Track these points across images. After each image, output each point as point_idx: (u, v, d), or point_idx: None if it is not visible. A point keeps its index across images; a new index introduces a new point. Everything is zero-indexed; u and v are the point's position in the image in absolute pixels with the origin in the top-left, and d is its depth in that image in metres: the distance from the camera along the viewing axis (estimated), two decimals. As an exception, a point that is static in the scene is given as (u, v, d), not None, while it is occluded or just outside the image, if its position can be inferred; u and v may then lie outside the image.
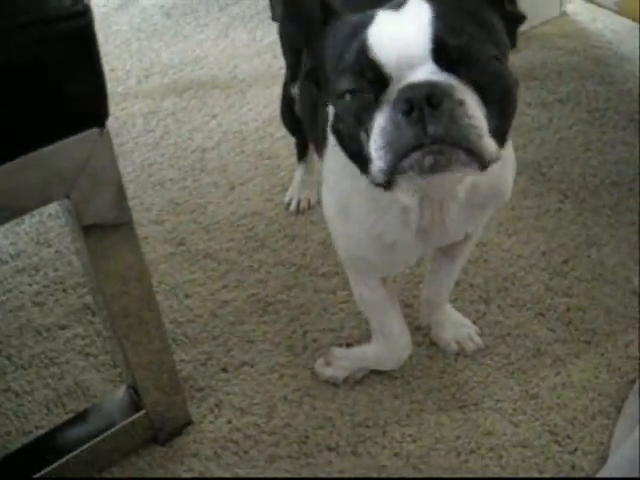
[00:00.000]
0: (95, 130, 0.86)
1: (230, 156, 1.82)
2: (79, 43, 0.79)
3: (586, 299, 1.40)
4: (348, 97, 0.81)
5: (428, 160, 0.76)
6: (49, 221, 1.66)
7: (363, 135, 0.81)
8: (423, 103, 0.74)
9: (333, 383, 1.28)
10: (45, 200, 0.91)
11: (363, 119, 0.80)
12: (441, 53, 0.77)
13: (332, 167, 1.02)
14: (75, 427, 1.18)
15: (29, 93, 0.79)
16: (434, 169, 0.77)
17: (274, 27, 2.34)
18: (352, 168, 0.87)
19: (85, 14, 0.78)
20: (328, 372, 1.29)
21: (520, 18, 0.90)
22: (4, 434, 1.24)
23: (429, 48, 0.77)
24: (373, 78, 0.78)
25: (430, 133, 0.75)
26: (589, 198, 1.62)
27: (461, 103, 0.76)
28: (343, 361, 1.28)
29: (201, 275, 1.50)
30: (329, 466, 1.17)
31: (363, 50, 0.78)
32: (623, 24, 2.20)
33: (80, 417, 1.20)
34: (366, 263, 1.09)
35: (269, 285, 1.47)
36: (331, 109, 0.91)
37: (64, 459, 1.10)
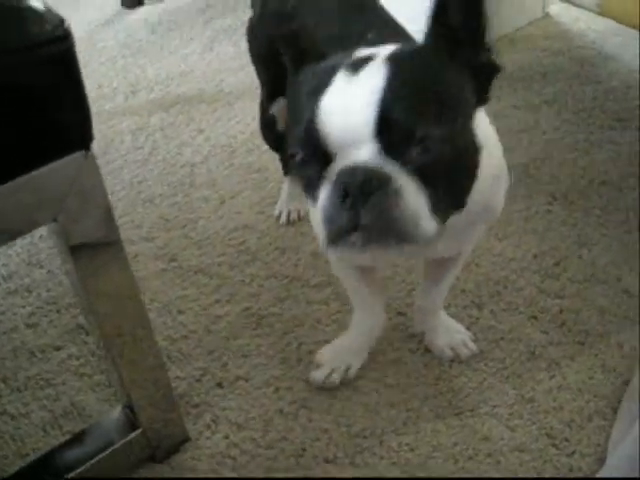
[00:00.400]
0: (80, 153, 0.86)
1: (219, 170, 1.82)
2: (61, 67, 0.79)
3: (579, 300, 1.40)
4: (297, 163, 0.82)
5: (359, 243, 0.79)
6: (40, 242, 1.66)
7: (312, 198, 0.83)
8: (357, 191, 0.76)
9: (329, 389, 1.28)
10: (32, 225, 0.90)
11: (311, 186, 0.83)
12: (384, 134, 0.77)
13: None
14: (72, 448, 1.17)
15: (11, 118, 0.79)
16: (367, 249, 0.81)
17: (259, 39, 2.35)
18: None
19: (66, 39, 0.78)
20: (319, 375, 1.28)
21: (496, 69, 0.88)
22: (1, 457, 1.23)
23: (372, 128, 0.76)
24: (318, 152, 0.79)
25: (362, 221, 0.77)
26: (578, 199, 1.63)
27: (397, 192, 0.77)
28: (328, 353, 1.29)
29: (194, 291, 1.50)
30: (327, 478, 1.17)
31: (312, 121, 0.79)
32: (605, 24, 2.21)
33: (77, 438, 1.19)
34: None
35: (262, 298, 1.47)
36: None
37: (62, 481, 1.10)
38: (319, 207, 0.80)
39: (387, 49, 0.85)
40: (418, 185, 0.78)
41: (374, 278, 1.22)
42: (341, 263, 1.18)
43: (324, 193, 0.79)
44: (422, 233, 0.79)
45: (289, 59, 0.91)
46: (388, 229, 0.78)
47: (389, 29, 1.13)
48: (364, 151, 0.77)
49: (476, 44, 0.85)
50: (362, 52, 0.86)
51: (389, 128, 0.76)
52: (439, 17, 0.84)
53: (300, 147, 0.81)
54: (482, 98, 0.88)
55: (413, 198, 0.78)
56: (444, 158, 0.79)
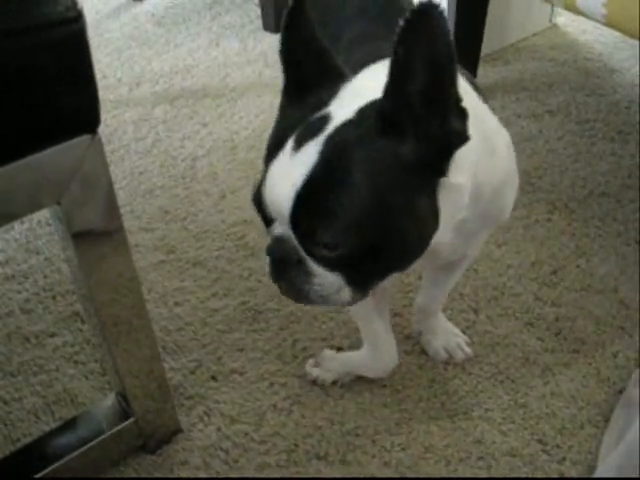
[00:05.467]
0: (87, 137, 0.85)
1: (221, 164, 1.82)
2: (72, 49, 0.79)
3: (575, 309, 1.40)
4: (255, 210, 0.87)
5: (286, 296, 0.88)
6: (38, 228, 1.66)
7: None
8: (275, 264, 0.84)
9: (320, 385, 1.28)
10: (36, 206, 0.90)
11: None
12: (297, 222, 0.79)
13: None
14: (63, 435, 1.17)
15: (21, 99, 0.79)
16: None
17: (265, 36, 2.36)
18: None
19: (78, 20, 0.78)
20: (315, 372, 1.29)
21: (462, 138, 0.78)
22: (-8, 442, 1.24)
23: (289, 211, 0.78)
24: (263, 212, 0.84)
25: (282, 288, 0.87)
26: (578, 209, 1.63)
27: (307, 273, 0.82)
28: (331, 363, 1.29)
29: (191, 283, 1.50)
30: (318, 475, 1.16)
31: (261, 185, 0.83)
32: (612, 36, 2.23)
33: (69, 425, 1.19)
34: None
35: (259, 293, 1.46)
36: None
37: (52, 467, 1.09)
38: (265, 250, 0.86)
39: (345, 112, 0.80)
40: (331, 269, 0.82)
41: (383, 312, 1.20)
42: None
43: (267, 244, 0.85)
44: (336, 301, 0.84)
45: (289, 83, 0.88)
46: (299, 297, 0.86)
47: None
48: (287, 228, 0.81)
49: (445, 110, 0.77)
50: (332, 107, 0.82)
51: (299, 219, 0.79)
52: (397, 86, 0.76)
53: (255, 199, 0.85)
54: (441, 169, 0.80)
55: (322, 280, 0.82)
56: (358, 252, 0.79)
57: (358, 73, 0.87)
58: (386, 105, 0.77)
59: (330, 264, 0.81)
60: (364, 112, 0.79)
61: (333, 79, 0.85)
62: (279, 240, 0.82)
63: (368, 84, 0.81)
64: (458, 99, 0.77)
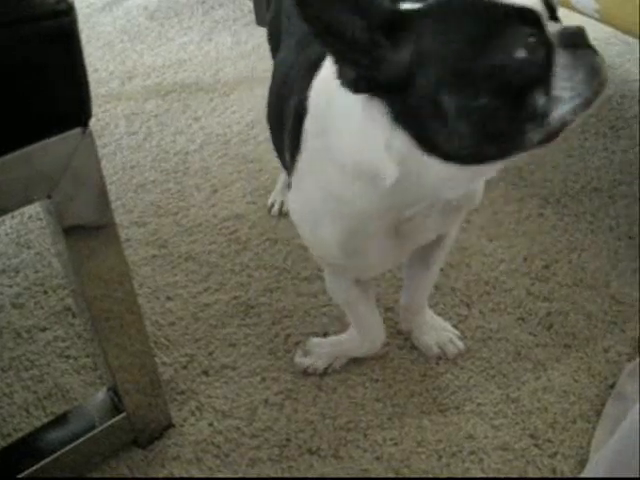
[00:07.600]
0: (78, 130, 0.85)
1: (213, 159, 1.82)
2: (62, 42, 0.79)
3: (567, 304, 1.41)
4: (518, 60, 0.78)
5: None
6: (30, 222, 1.65)
7: (538, 92, 0.80)
8: (583, 40, 0.82)
9: (312, 373, 1.29)
10: (27, 200, 0.90)
11: (537, 75, 0.80)
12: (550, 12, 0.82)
13: (304, 173, 1.00)
14: (55, 430, 1.17)
15: (11, 92, 0.78)
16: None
17: (258, 30, 2.35)
18: (326, 174, 0.92)
19: (69, 13, 0.78)
20: (306, 361, 1.29)
21: None
22: (-18, 437, 1.23)
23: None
24: (533, 29, 0.79)
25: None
26: (570, 204, 1.63)
27: None
28: (320, 348, 1.29)
29: (183, 278, 1.50)
30: (310, 470, 1.16)
31: (512, 11, 0.78)
32: (604, 32, 2.22)
33: (60, 420, 1.19)
34: (340, 266, 1.09)
35: (251, 288, 1.46)
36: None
37: (43, 462, 1.09)
38: (565, 74, 0.81)
39: None
40: None
41: (369, 295, 1.21)
42: (337, 279, 1.17)
43: (562, 59, 0.81)
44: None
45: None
46: None
47: None
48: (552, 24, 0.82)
49: None
50: None
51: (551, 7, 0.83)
52: None
53: (518, 39, 0.79)
54: None
55: None
56: None
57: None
58: None
59: None
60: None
61: None
62: (569, 29, 0.83)
63: None
64: None
